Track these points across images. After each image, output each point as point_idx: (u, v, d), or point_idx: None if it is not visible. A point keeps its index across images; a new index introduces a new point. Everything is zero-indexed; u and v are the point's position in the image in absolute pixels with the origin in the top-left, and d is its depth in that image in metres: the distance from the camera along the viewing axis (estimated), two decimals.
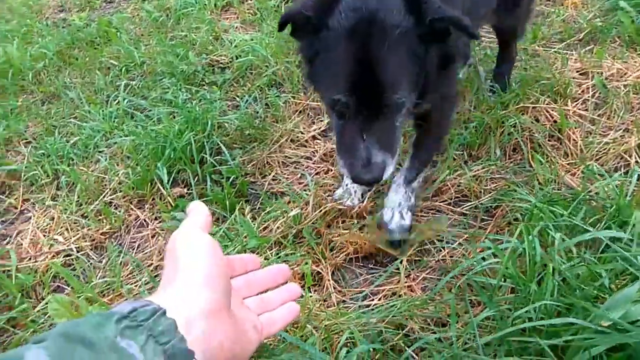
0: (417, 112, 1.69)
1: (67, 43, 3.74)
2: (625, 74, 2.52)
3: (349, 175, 1.45)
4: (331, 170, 2.39)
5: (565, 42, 2.87)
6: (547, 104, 2.35)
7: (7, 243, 2.29)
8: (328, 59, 1.39)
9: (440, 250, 1.90)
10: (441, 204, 2.11)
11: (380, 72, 1.30)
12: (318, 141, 2.57)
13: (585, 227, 1.51)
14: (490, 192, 2.09)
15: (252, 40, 3.26)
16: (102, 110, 2.88)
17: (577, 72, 2.62)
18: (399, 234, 1.90)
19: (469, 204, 2.08)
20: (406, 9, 1.30)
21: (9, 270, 2.06)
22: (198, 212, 0.90)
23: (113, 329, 0.63)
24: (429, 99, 1.61)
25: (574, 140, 2.20)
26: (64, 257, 2.14)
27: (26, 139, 2.85)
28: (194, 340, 0.69)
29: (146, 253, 2.10)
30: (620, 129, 2.24)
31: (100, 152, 2.64)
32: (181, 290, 0.76)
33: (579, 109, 2.37)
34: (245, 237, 1.96)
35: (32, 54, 3.59)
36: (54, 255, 2.15)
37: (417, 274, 1.84)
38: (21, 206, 2.47)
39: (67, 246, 2.18)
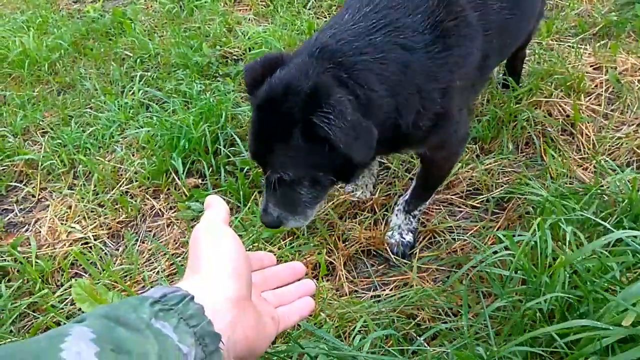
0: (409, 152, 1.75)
1: (82, 34, 3.77)
2: (639, 68, 2.51)
3: None
4: None
5: (579, 36, 2.86)
6: (560, 98, 2.36)
7: (26, 230, 2.34)
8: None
9: (451, 243, 1.92)
10: (453, 197, 2.13)
11: (263, 151, 1.40)
12: None
13: (597, 220, 1.52)
14: (502, 186, 2.11)
15: (265, 32, 3.28)
16: (118, 101, 2.91)
17: (591, 66, 2.61)
18: (398, 248, 1.93)
19: (481, 196, 2.09)
20: (302, 108, 1.27)
21: (28, 257, 2.11)
22: (218, 205, 0.93)
23: (148, 312, 0.66)
24: (424, 145, 1.63)
25: (586, 134, 2.21)
26: (81, 244, 2.19)
27: (43, 129, 2.90)
28: (221, 328, 0.72)
29: (162, 242, 2.14)
30: (633, 124, 2.24)
31: (116, 142, 2.68)
32: (206, 279, 0.79)
33: (592, 104, 2.37)
34: (260, 227, 1.99)
35: (47, 44, 3.63)
36: (71, 243, 2.20)
37: (429, 266, 1.86)
38: (39, 194, 2.52)
39: (85, 234, 2.22)
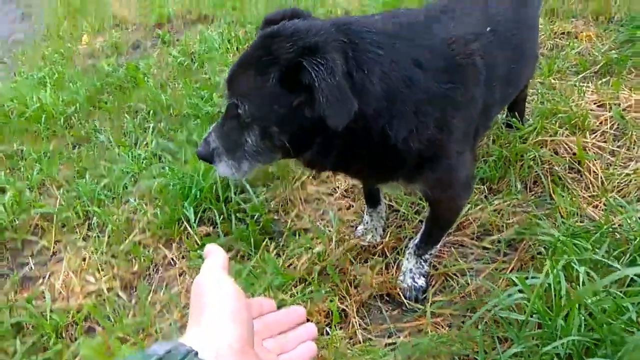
0: (415, 189, 1.73)
1: (97, 88, 3.91)
2: None
3: None
4: (352, 206, 2.43)
5: (581, 75, 2.91)
6: (565, 137, 2.38)
7: (41, 284, 2.36)
8: None
9: (465, 286, 1.91)
10: (464, 238, 2.12)
11: (235, 76, 1.37)
12: (338, 177, 2.62)
13: (609, 262, 1.51)
14: (512, 226, 2.10)
15: None
16: (131, 153, 2.99)
17: (595, 104, 2.64)
18: (411, 293, 1.93)
19: (492, 237, 2.09)
20: (296, 50, 1.25)
21: (43, 311, 2.13)
22: (217, 254, 0.94)
23: None
24: (420, 182, 1.62)
25: (594, 172, 2.21)
26: (95, 297, 2.20)
27: (58, 182, 2.97)
28: None
29: (174, 291, 2.15)
30: None
31: (129, 193, 2.73)
32: (208, 327, 0.80)
33: (598, 141, 2.39)
34: (271, 274, 2.00)
35: (63, 99, 3.76)
36: (85, 296, 2.21)
37: (443, 310, 1.84)
38: (54, 247, 2.56)
39: (98, 286, 2.24)
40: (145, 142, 3.06)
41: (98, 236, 2.51)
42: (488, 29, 1.61)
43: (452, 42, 1.47)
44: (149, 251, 2.36)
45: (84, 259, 2.40)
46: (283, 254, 2.16)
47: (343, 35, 1.30)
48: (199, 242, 2.32)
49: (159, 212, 2.48)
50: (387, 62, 1.33)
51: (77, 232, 2.60)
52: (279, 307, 1.08)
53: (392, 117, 1.36)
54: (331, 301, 1.87)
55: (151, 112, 3.41)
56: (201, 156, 1.47)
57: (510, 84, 1.79)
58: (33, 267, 2.48)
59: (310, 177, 2.63)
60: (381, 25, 1.41)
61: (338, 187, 2.55)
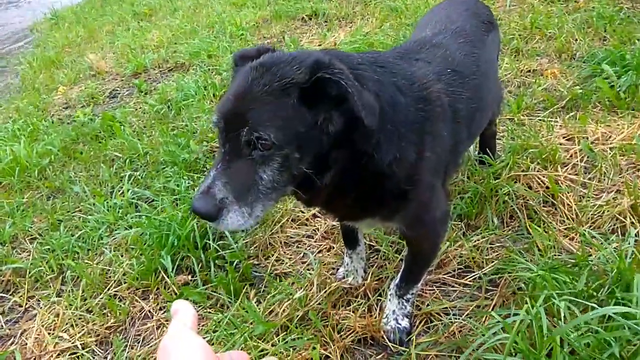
0: (393, 228, 1.73)
1: (72, 138, 3.89)
2: (609, 137, 2.62)
3: None
4: (333, 247, 2.41)
5: (548, 110, 3.00)
6: (537, 171, 2.43)
7: (12, 343, 2.26)
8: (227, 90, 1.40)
9: (449, 325, 1.89)
10: (445, 276, 2.12)
11: (248, 105, 1.25)
12: (318, 219, 2.61)
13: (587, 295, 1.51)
14: (492, 262, 2.11)
15: None
16: (107, 202, 2.94)
17: (564, 137, 2.72)
18: (395, 335, 1.90)
19: (472, 274, 2.09)
20: (306, 68, 1.25)
21: None
22: (185, 312, 0.90)
23: None
24: (396, 219, 1.62)
25: (568, 204, 2.25)
26: (69, 355, 2.11)
27: (32, 235, 2.89)
28: None
29: (151, 346, 2.08)
30: (612, 191, 2.30)
31: (104, 244, 2.68)
32: None
33: (570, 174, 2.44)
34: (252, 323, 1.95)
35: (38, 151, 3.72)
36: (59, 354, 2.12)
37: (428, 352, 1.81)
38: (26, 304, 2.47)
39: (72, 343, 2.15)
40: (121, 191, 3.03)
41: (72, 290, 2.44)
42: (449, 70, 1.68)
43: (422, 79, 1.53)
44: (125, 304, 2.29)
45: (58, 315, 2.32)
46: (264, 300, 2.12)
47: (335, 58, 1.32)
48: (176, 291, 2.26)
49: (135, 263, 2.43)
50: (376, 83, 1.37)
51: (50, 286, 2.52)
52: (259, 358, 1.04)
53: (380, 139, 1.37)
54: (314, 348, 1.82)
55: (127, 160, 3.39)
56: (203, 213, 1.25)
57: (474, 122, 1.84)
58: (4, 326, 2.38)
59: (290, 220, 2.62)
60: (360, 57, 1.45)
61: (318, 229, 2.54)
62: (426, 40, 1.84)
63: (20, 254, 2.79)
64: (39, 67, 6.48)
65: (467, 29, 1.93)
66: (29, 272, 2.59)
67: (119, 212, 2.86)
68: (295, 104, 1.24)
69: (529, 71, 3.55)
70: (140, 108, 4.28)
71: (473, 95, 1.75)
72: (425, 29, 2.02)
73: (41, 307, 2.40)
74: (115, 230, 2.73)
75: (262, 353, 1.82)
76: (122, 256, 2.55)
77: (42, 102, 5.00)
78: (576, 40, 3.78)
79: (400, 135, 1.42)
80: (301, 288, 2.11)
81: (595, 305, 1.46)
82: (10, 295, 2.53)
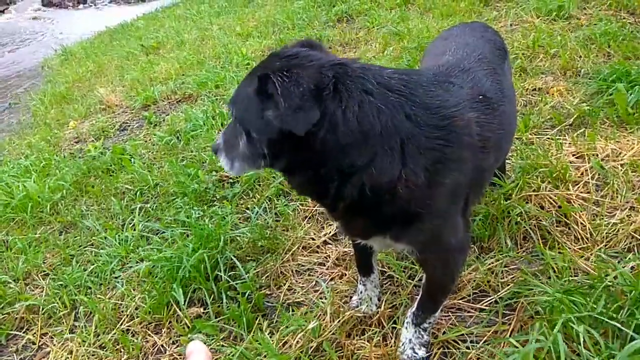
0: (405, 251, 1.71)
1: (84, 172, 3.93)
2: (620, 153, 2.60)
3: None
4: (345, 274, 2.39)
5: (556, 128, 2.99)
6: (549, 191, 2.40)
7: None
8: None
9: (466, 353, 1.85)
10: (460, 301, 2.08)
11: (238, 90, 1.53)
12: (330, 246, 2.60)
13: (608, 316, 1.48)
14: (508, 285, 2.07)
15: None
16: (118, 236, 2.96)
17: (573, 155, 2.70)
18: None
19: (488, 299, 2.05)
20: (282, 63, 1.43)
21: None
22: (199, 354, 0.89)
23: None
24: (408, 241, 1.62)
25: (581, 224, 2.22)
26: None
27: (44, 271, 2.91)
28: None
29: None
30: (625, 208, 2.27)
31: (116, 278, 2.68)
32: None
33: (582, 192, 2.41)
34: (265, 356, 1.92)
35: (50, 186, 3.77)
36: None
37: None
38: (39, 341, 2.46)
39: None
40: (132, 224, 3.04)
41: (85, 326, 2.43)
42: (480, 96, 1.67)
43: (452, 106, 1.53)
44: (137, 339, 2.27)
45: (71, 352, 2.30)
46: (277, 331, 2.10)
47: (331, 71, 1.37)
48: (189, 325, 2.24)
49: (147, 296, 2.42)
50: (371, 107, 1.38)
51: (63, 323, 2.51)
52: None
53: (374, 156, 1.39)
54: None
55: (138, 192, 3.41)
56: (212, 149, 1.70)
57: (500, 150, 1.83)
58: None
59: (301, 248, 2.61)
60: (383, 79, 1.46)
61: (329, 256, 2.52)
62: (453, 65, 1.81)
63: (33, 291, 2.80)
64: (50, 103, 6.62)
65: (487, 55, 1.92)
66: (42, 309, 2.59)
67: (130, 245, 2.87)
68: (252, 92, 1.41)
69: (535, 90, 3.56)
70: (150, 140, 4.34)
71: (500, 122, 1.73)
72: (443, 54, 1.98)
73: (54, 344, 2.40)
74: (127, 263, 2.73)
75: None
76: (134, 290, 2.55)
77: (54, 137, 5.09)
78: (580, 57, 3.79)
79: (405, 157, 1.42)
80: (314, 318, 2.08)
81: (616, 324, 1.43)
82: (23, 332, 2.52)
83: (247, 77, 1.51)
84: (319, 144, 1.37)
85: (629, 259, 1.93)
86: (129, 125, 4.94)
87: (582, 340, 1.47)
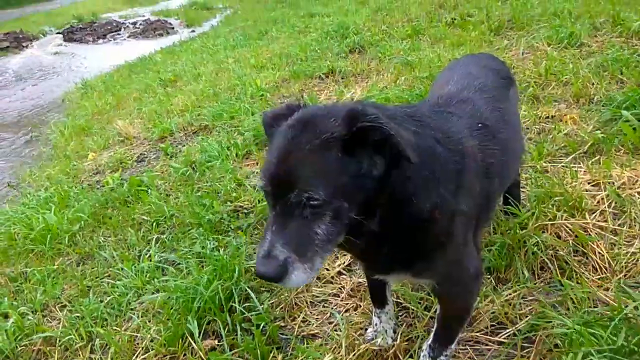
0: (424, 284, 1.71)
1: (101, 204, 4.00)
2: (636, 181, 2.57)
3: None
4: (360, 306, 2.38)
5: (571, 156, 2.98)
6: (565, 220, 2.38)
7: None
8: (267, 152, 1.44)
9: None
10: (478, 334, 2.05)
11: (293, 167, 1.28)
12: (344, 276, 2.59)
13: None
14: (526, 316, 2.04)
15: None
16: (134, 267, 2.98)
17: (589, 183, 2.68)
18: None
19: (507, 331, 2.02)
20: (343, 120, 1.30)
21: None
22: None
23: None
24: (428, 275, 1.60)
25: (599, 253, 2.19)
26: None
27: (61, 303, 2.93)
28: None
29: None
30: None
31: (132, 309, 2.69)
32: None
33: (599, 221, 2.39)
34: None
35: (68, 217, 3.83)
36: None
37: None
38: None
39: None
40: (148, 255, 3.07)
41: (101, 358, 2.43)
42: (479, 125, 1.70)
43: (457, 133, 1.58)
44: None
45: None
46: None
47: (374, 108, 1.36)
48: (203, 358, 2.23)
49: (162, 328, 2.42)
50: (414, 133, 1.39)
51: (80, 355, 2.52)
52: None
53: (418, 185, 1.39)
54: None
55: (154, 223, 3.45)
56: (268, 276, 1.29)
57: (504, 176, 1.85)
58: None
59: (315, 279, 2.60)
60: (395, 109, 1.52)
61: (344, 287, 2.51)
62: (453, 95, 1.87)
63: (50, 322, 2.82)
64: (70, 135, 6.79)
65: (489, 84, 1.97)
66: (59, 341, 2.60)
67: (146, 276, 2.89)
68: (339, 157, 1.28)
69: (548, 117, 3.56)
70: (166, 171, 4.41)
71: (502, 148, 1.76)
72: (446, 85, 2.04)
73: None
74: (143, 294, 2.74)
75: None
76: (149, 322, 2.55)
77: (73, 169, 5.20)
78: (593, 84, 3.80)
79: (440, 183, 1.45)
80: (329, 351, 2.06)
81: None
82: None
83: (305, 150, 1.28)
84: (398, 181, 1.34)
85: None
86: (146, 157, 5.04)
87: None
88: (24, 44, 18.60)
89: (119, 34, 19.82)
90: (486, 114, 1.79)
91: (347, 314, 2.35)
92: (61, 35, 19.97)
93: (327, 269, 2.64)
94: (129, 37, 19.25)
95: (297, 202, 1.27)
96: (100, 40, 19.13)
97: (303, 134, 1.31)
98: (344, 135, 1.28)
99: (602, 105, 3.52)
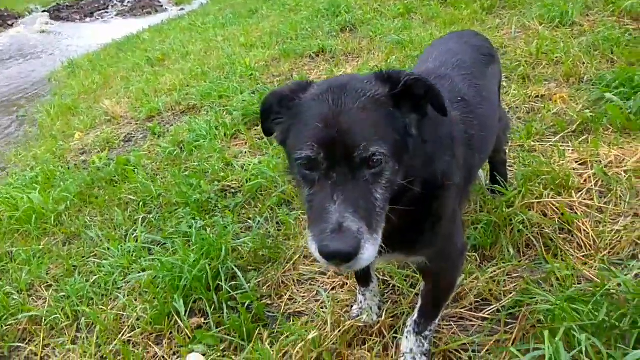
0: (413, 263, 1.70)
1: (88, 183, 3.95)
2: (623, 159, 2.57)
3: (316, 246, 1.13)
4: (346, 284, 2.38)
5: (559, 135, 2.98)
6: (551, 198, 2.38)
7: None
8: (298, 125, 1.31)
9: None
10: (462, 310, 2.06)
11: (352, 125, 1.20)
12: None
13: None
14: (510, 293, 2.05)
15: (260, 163, 3.43)
16: (121, 246, 2.96)
17: (576, 162, 2.68)
18: None
19: (490, 307, 2.03)
20: (378, 81, 1.32)
21: None
22: None
23: None
24: (423, 252, 1.60)
25: (585, 231, 2.20)
26: None
27: (47, 283, 2.91)
28: None
29: None
30: (629, 215, 2.24)
31: (118, 289, 2.68)
32: None
33: (585, 199, 2.39)
34: None
35: (54, 197, 3.78)
36: None
37: None
38: (42, 352, 2.46)
39: None
40: (134, 235, 3.04)
41: (87, 337, 2.43)
42: (459, 98, 1.70)
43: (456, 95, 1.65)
44: (138, 350, 2.26)
45: None
46: (277, 342, 2.08)
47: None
48: (190, 335, 2.23)
49: (148, 307, 2.42)
50: None
51: (65, 334, 2.51)
52: None
53: (434, 150, 1.43)
54: None
55: (141, 203, 3.42)
56: (347, 252, 1.10)
57: (482, 150, 1.88)
58: None
59: (302, 257, 2.60)
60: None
61: None
62: (431, 72, 1.87)
63: (36, 302, 2.81)
64: (56, 115, 6.68)
65: (467, 61, 1.96)
66: (45, 320, 2.59)
67: (132, 255, 2.87)
68: (391, 111, 1.28)
69: (538, 97, 3.55)
70: (153, 150, 4.36)
71: (481, 124, 1.76)
72: (427, 61, 2.05)
73: (56, 356, 2.39)
74: (129, 274, 2.73)
75: None
76: (135, 300, 2.54)
77: (59, 149, 5.13)
78: (583, 63, 3.77)
79: (445, 150, 1.49)
80: (315, 328, 2.06)
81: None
82: (25, 344, 2.52)
83: (357, 110, 1.23)
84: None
85: (633, 266, 1.90)
86: (134, 136, 4.98)
87: (584, 349, 1.45)
88: (9, 22, 18.22)
89: (106, 12, 19.47)
90: (464, 90, 1.80)
91: (334, 292, 2.35)
92: (47, 14, 19.59)
93: None
94: (116, 15, 18.92)
95: (362, 161, 1.18)
96: (88, 19, 18.79)
97: (348, 96, 1.25)
98: (392, 90, 1.29)
99: (592, 85, 3.51)
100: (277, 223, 2.92)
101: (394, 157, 1.23)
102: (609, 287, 1.74)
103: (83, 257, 3.06)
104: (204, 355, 2.09)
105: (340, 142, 1.19)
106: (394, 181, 1.26)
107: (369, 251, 1.14)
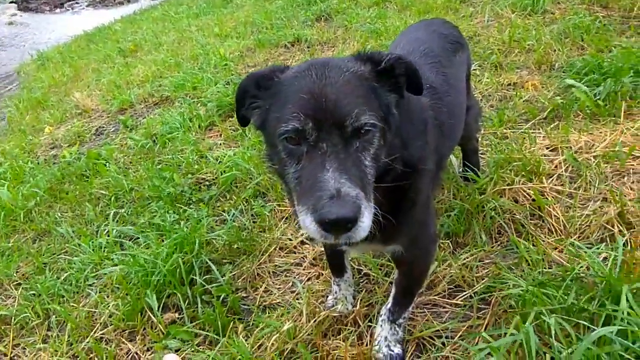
0: (389, 252, 1.70)
1: (58, 179, 3.85)
2: (592, 145, 2.61)
3: (313, 218, 1.09)
4: (322, 274, 2.37)
5: (531, 122, 3.01)
6: (522, 184, 2.41)
7: None
8: (279, 101, 1.28)
9: (441, 348, 1.84)
10: (435, 297, 2.08)
11: (340, 94, 1.20)
12: (306, 246, 2.57)
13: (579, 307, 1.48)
14: (483, 279, 2.07)
15: (235, 155, 3.39)
16: (92, 242, 2.90)
17: (547, 148, 2.71)
18: None
19: (464, 293, 2.05)
20: (359, 61, 1.34)
21: None
22: None
23: None
24: (400, 240, 1.60)
25: (555, 216, 2.23)
26: None
27: (17, 281, 2.84)
28: None
29: None
30: (598, 200, 2.28)
31: (90, 285, 2.62)
32: None
33: (555, 185, 2.42)
34: None
35: (23, 193, 3.68)
36: None
37: None
38: (11, 352, 2.40)
39: None
40: (106, 230, 2.98)
41: (58, 336, 2.38)
42: (427, 86, 1.69)
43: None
44: (111, 347, 2.22)
45: None
46: (252, 334, 2.07)
47: None
48: (163, 331, 2.20)
49: (120, 303, 2.37)
50: None
51: (36, 333, 2.45)
52: None
53: (409, 132, 1.46)
54: None
55: (113, 197, 3.35)
56: (349, 217, 1.07)
57: (451, 138, 1.90)
58: None
59: (278, 249, 2.58)
60: None
61: (306, 257, 2.50)
62: None
63: (5, 301, 2.73)
64: (25, 109, 6.49)
65: (434, 49, 1.95)
66: (14, 319, 2.53)
67: (104, 251, 2.81)
68: (375, 86, 1.30)
69: (510, 84, 3.57)
70: (126, 144, 4.27)
71: (449, 111, 1.77)
72: (395, 50, 2.05)
73: (27, 355, 2.34)
74: (101, 270, 2.67)
75: None
76: (107, 297, 2.50)
77: (29, 144, 4.99)
78: (555, 51, 3.81)
79: (419, 134, 1.52)
80: (290, 319, 2.06)
81: (586, 323, 1.43)
82: None
83: (342, 84, 1.23)
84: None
85: (601, 249, 1.93)
86: (105, 130, 4.87)
87: (553, 332, 1.47)
88: None
89: (77, 3, 18.93)
90: (432, 78, 1.80)
91: (309, 283, 2.34)
92: (15, 5, 18.94)
93: (290, 239, 2.62)
94: (87, 5, 18.42)
95: (354, 130, 1.18)
96: (58, 9, 18.25)
97: (331, 71, 1.26)
98: (375, 68, 1.31)
99: (563, 72, 3.55)
100: (252, 215, 2.89)
101: (380, 131, 1.25)
102: (578, 270, 1.77)
103: (54, 254, 2.98)
104: (177, 351, 2.06)
105: (330, 111, 1.17)
106: (380, 155, 1.27)
107: (368, 219, 1.13)
